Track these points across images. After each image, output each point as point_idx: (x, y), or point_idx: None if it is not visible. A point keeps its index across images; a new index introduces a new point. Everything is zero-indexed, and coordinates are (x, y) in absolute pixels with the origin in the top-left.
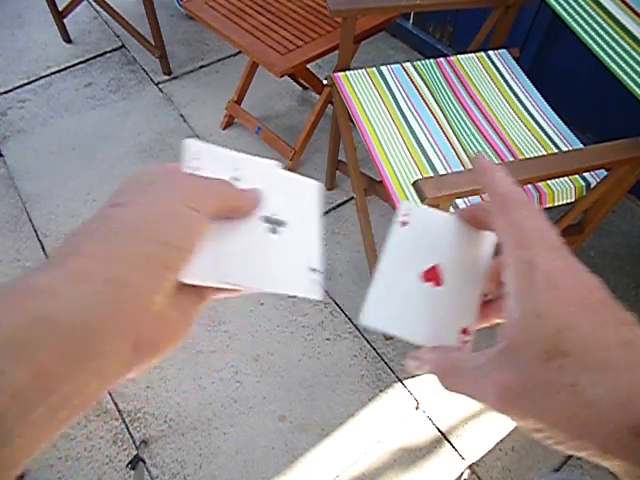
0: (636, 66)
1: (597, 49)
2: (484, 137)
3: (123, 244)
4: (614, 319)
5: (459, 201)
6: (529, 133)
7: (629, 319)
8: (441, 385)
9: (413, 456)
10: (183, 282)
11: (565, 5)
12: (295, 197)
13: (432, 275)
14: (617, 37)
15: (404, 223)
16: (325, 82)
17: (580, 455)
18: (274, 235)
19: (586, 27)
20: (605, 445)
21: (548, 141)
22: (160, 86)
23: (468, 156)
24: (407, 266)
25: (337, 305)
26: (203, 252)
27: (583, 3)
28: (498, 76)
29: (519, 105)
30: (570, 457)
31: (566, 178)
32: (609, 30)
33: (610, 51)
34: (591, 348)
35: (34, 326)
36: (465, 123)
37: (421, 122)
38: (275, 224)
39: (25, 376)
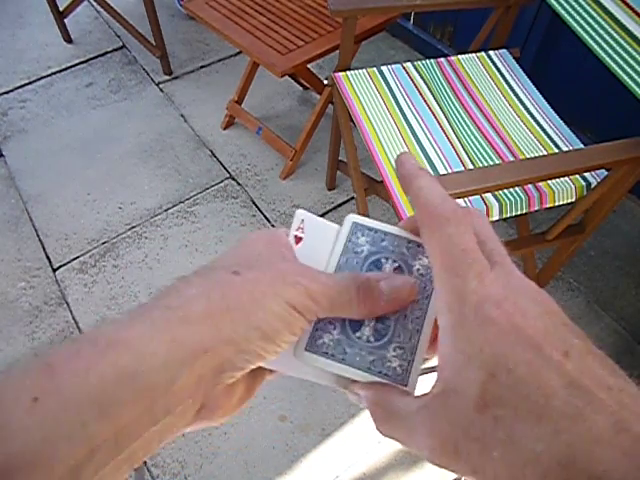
0: (636, 66)
1: (597, 49)
2: (484, 137)
3: (226, 319)
4: (558, 353)
5: (460, 201)
6: (530, 133)
7: (578, 346)
8: (375, 428)
9: (414, 456)
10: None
11: (565, 5)
12: None
13: None
14: (617, 37)
15: (298, 239)
16: (326, 82)
17: None
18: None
19: (586, 27)
20: None
21: (549, 141)
22: (161, 86)
23: (469, 156)
24: None
25: None
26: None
27: (583, 3)
28: (499, 76)
29: (520, 105)
30: None
31: (566, 178)
32: (609, 30)
33: (610, 51)
34: (529, 394)
35: (120, 382)
36: (466, 123)
37: (422, 122)
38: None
39: (107, 432)
